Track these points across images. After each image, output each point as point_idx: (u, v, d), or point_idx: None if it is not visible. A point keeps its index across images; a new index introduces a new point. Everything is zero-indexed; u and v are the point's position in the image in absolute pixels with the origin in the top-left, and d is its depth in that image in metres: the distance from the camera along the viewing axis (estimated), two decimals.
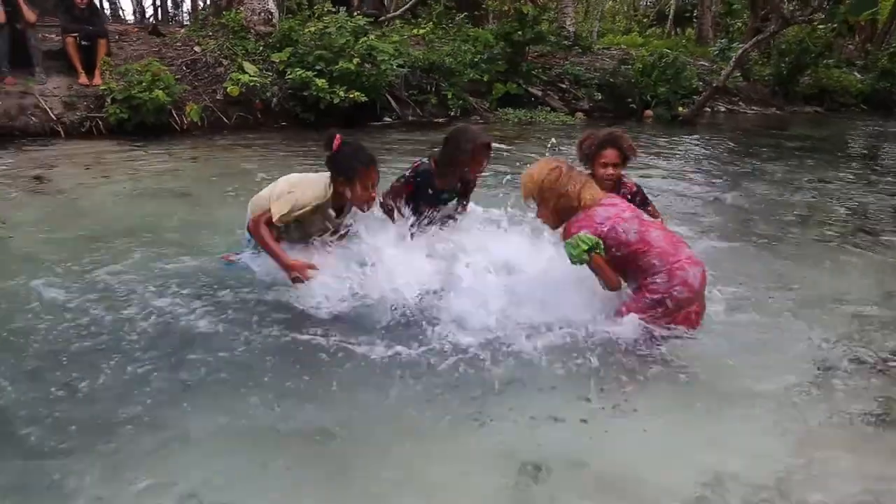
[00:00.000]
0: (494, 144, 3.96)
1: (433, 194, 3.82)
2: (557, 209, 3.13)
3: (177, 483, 2.13)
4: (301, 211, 3.32)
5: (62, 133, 8.33)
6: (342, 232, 3.64)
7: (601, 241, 2.98)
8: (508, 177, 5.12)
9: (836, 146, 11.27)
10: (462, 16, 13.51)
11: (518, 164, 7.66)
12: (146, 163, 7.15)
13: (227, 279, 3.61)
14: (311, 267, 3.35)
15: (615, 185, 3.61)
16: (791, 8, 12.68)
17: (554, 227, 3.22)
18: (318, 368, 2.86)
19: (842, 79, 17.49)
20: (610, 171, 3.52)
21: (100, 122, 8.53)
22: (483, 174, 3.94)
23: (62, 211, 5.20)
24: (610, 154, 3.50)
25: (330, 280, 3.36)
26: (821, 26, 14.40)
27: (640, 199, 3.69)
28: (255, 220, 3.34)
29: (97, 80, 8.83)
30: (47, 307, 3.32)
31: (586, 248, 2.97)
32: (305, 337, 3.07)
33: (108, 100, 8.46)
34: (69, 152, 7.51)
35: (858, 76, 18.37)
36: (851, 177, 7.96)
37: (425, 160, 3.85)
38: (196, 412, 2.53)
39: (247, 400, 2.61)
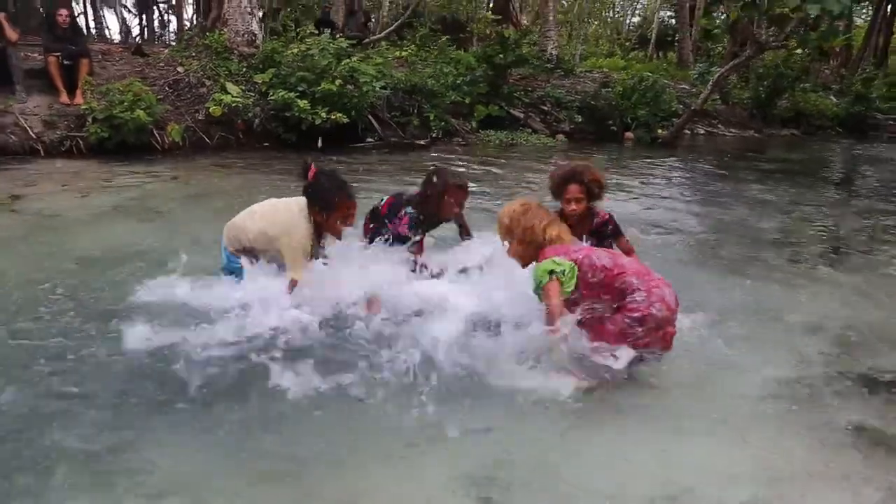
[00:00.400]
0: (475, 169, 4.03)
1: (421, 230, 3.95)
2: (524, 242, 3.18)
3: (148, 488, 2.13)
4: (307, 253, 3.43)
5: (42, 152, 8.32)
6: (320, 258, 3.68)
7: (575, 267, 3.00)
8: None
9: (812, 169, 11.49)
10: (445, 38, 13.68)
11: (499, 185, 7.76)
12: (126, 182, 7.14)
13: (193, 303, 3.58)
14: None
15: (588, 215, 3.65)
16: (767, 35, 12.99)
17: (523, 263, 3.25)
18: (280, 394, 2.85)
19: (818, 102, 17.90)
20: (573, 206, 3.56)
21: (80, 142, 8.53)
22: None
23: (36, 231, 5.18)
24: (573, 189, 3.55)
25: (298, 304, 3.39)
26: (797, 51, 14.75)
27: (612, 229, 3.71)
28: (291, 289, 3.40)
29: (78, 99, 8.85)
30: (15, 328, 3.30)
31: (550, 269, 2.98)
32: (266, 362, 3.02)
33: (90, 119, 8.48)
34: (48, 171, 7.50)
35: (834, 100, 18.80)
36: (825, 199, 8.11)
37: (410, 210, 3.88)
38: (164, 437, 2.53)
39: (210, 430, 2.61)
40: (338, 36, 11.86)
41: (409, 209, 3.86)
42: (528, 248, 3.17)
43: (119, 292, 3.78)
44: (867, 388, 3.12)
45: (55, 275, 4.10)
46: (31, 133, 8.39)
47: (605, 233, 3.69)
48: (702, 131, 15.61)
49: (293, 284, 3.39)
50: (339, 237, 3.54)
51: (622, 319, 2.97)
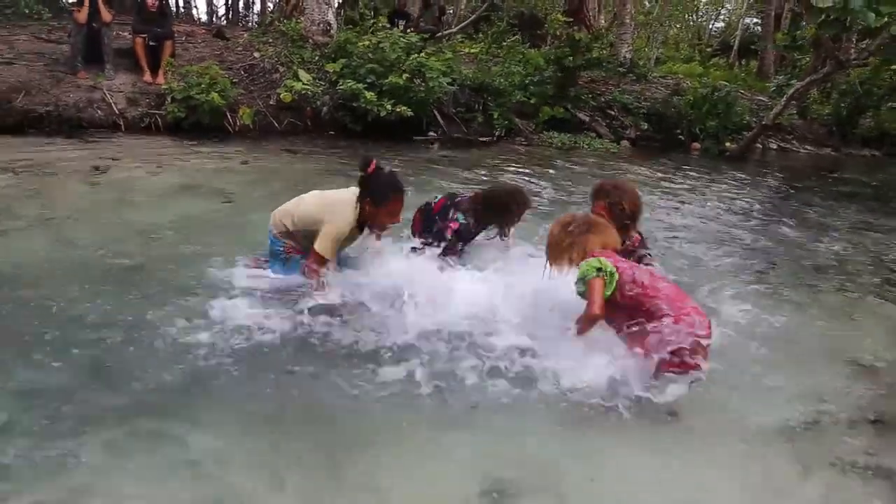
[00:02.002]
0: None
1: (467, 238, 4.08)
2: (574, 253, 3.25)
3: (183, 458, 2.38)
4: (341, 239, 3.59)
5: (123, 127, 8.88)
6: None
7: (616, 273, 3.08)
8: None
9: (888, 194, 10.98)
10: (515, 37, 13.69)
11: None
12: (197, 162, 7.56)
13: (240, 282, 3.83)
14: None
15: (622, 233, 3.69)
16: (855, 50, 12.45)
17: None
18: (302, 379, 3.05)
19: None
20: None
21: (158, 119, 9.05)
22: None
23: (112, 204, 5.59)
24: (598, 205, 3.64)
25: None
26: (893, 67, 14.04)
27: (640, 254, 3.75)
28: (311, 266, 3.57)
29: (160, 79, 9.38)
30: (78, 292, 3.63)
31: (598, 266, 3.06)
32: (294, 346, 3.26)
33: (168, 99, 8.98)
34: (128, 146, 8.01)
35: None
36: (891, 227, 7.80)
37: (462, 219, 3.99)
38: (201, 402, 2.78)
39: (251, 397, 2.84)
40: (410, 29, 12.09)
41: (462, 217, 3.96)
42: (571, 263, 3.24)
43: (183, 268, 4.08)
44: (885, 425, 3.08)
45: (125, 247, 4.45)
46: (115, 109, 8.95)
47: (638, 255, 3.74)
48: (774, 146, 15.11)
49: (319, 260, 3.52)
50: (382, 231, 3.72)
51: (648, 343, 3.01)
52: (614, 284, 3.06)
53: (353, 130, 10.15)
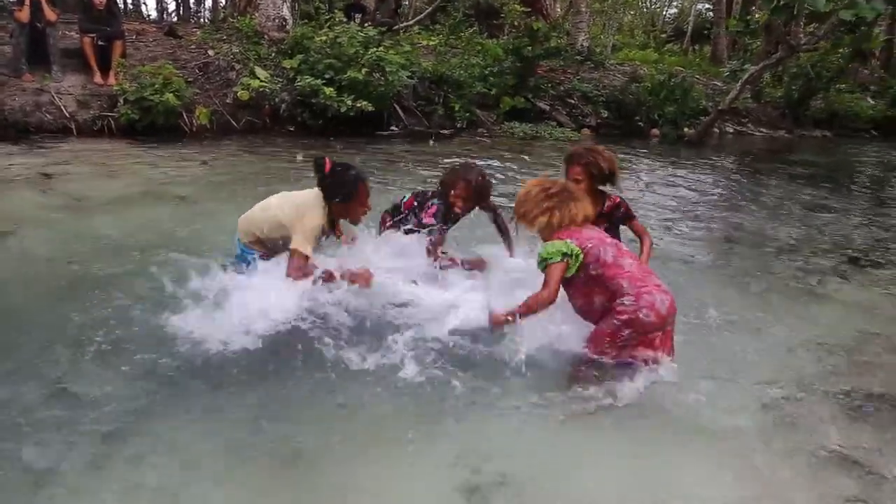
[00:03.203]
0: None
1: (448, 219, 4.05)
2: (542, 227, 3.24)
3: (146, 486, 2.29)
4: (317, 235, 3.51)
5: (74, 131, 8.60)
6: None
7: (581, 254, 3.10)
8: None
9: (841, 174, 11.31)
10: (473, 29, 13.66)
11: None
12: (154, 165, 7.36)
13: (211, 290, 3.73)
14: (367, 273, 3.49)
15: (597, 197, 3.71)
16: (800, 36, 12.76)
17: (544, 238, 3.29)
18: (286, 379, 3.02)
19: (853, 104, 17.48)
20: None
21: (111, 122, 8.79)
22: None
23: (65, 212, 5.40)
24: (573, 170, 3.66)
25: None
26: (838, 51, 14.42)
27: (623, 212, 3.81)
28: (295, 267, 3.44)
29: (111, 80, 9.09)
30: (38, 307, 3.49)
31: (563, 251, 3.07)
32: (277, 347, 3.20)
33: (121, 100, 8.72)
34: (80, 150, 7.75)
35: (871, 102, 18.35)
36: (849, 207, 8.00)
37: (437, 201, 3.95)
38: (170, 422, 2.69)
39: (222, 410, 2.77)
40: (368, 23, 11.95)
41: (437, 200, 3.98)
42: (544, 230, 3.24)
43: (145, 279, 3.93)
44: (857, 411, 3.14)
45: (82, 258, 4.29)
46: (64, 112, 8.66)
47: (617, 216, 3.79)
48: (730, 130, 15.41)
49: (301, 260, 3.42)
50: (357, 222, 3.67)
51: (612, 321, 3.08)
52: (577, 265, 3.10)
53: (313, 127, 10.02)
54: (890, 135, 17.39)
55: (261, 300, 3.45)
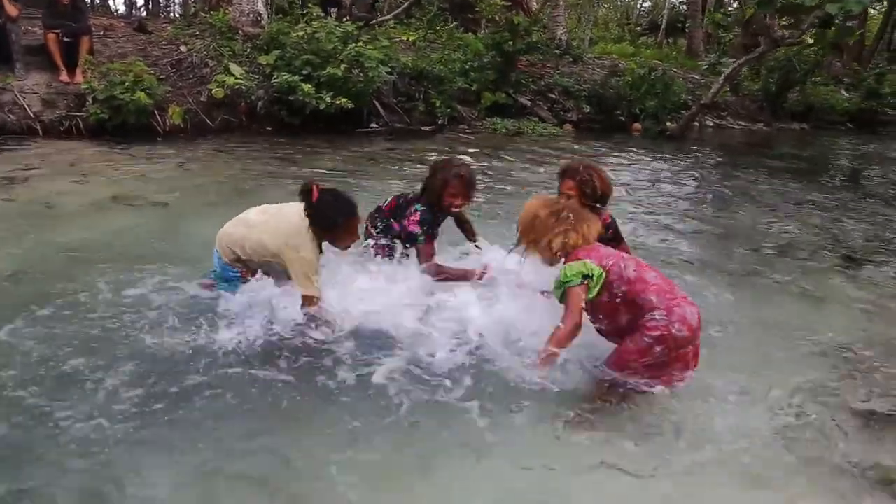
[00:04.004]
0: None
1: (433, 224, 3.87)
2: (547, 249, 3.09)
3: None
4: (317, 268, 3.32)
5: (40, 131, 8.20)
6: None
7: (604, 273, 2.92)
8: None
9: (820, 166, 11.35)
10: (453, 24, 13.46)
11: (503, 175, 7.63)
12: (125, 168, 7.02)
13: (195, 306, 3.52)
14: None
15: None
16: (781, 29, 12.74)
17: (550, 263, 3.14)
18: (278, 399, 2.82)
19: (829, 97, 17.65)
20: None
21: (80, 122, 8.40)
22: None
23: (31, 219, 5.08)
24: (565, 185, 3.52)
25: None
26: (811, 46, 14.49)
27: (612, 233, 3.66)
28: (311, 311, 3.28)
29: (79, 78, 8.70)
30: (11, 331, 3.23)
31: (583, 272, 2.90)
32: (267, 367, 3.01)
33: (90, 99, 8.33)
34: (46, 153, 7.38)
35: (846, 94, 18.55)
36: (834, 201, 7.97)
37: (420, 207, 3.79)
38: (150, 447, 2.47)
39: (206, 431, 2.57)
40: (346, 18, 11.67)
41: (419, 205, 3.79)
42: (558, 253, 3.07)
43: (119, 293, 3.69)
44: (866, 419, 3.05)
45: (51, 271, 4.02)
46: (29, 112, 8.26)
47: (606, 235, 3.61)
48: (710, 123, 15.42)
49: (311, 303, 3.26)
50: (346, 249, 3.45)
51: (641, 338, 2.88)
52: (600, 285, 2.91)
53: (291, 125, 9.73)
54: (864, 127, 17.63)
55: (240, 322, 3.27)
